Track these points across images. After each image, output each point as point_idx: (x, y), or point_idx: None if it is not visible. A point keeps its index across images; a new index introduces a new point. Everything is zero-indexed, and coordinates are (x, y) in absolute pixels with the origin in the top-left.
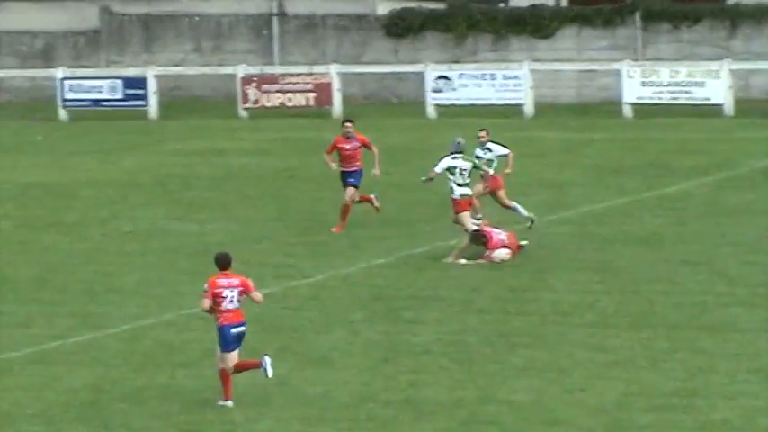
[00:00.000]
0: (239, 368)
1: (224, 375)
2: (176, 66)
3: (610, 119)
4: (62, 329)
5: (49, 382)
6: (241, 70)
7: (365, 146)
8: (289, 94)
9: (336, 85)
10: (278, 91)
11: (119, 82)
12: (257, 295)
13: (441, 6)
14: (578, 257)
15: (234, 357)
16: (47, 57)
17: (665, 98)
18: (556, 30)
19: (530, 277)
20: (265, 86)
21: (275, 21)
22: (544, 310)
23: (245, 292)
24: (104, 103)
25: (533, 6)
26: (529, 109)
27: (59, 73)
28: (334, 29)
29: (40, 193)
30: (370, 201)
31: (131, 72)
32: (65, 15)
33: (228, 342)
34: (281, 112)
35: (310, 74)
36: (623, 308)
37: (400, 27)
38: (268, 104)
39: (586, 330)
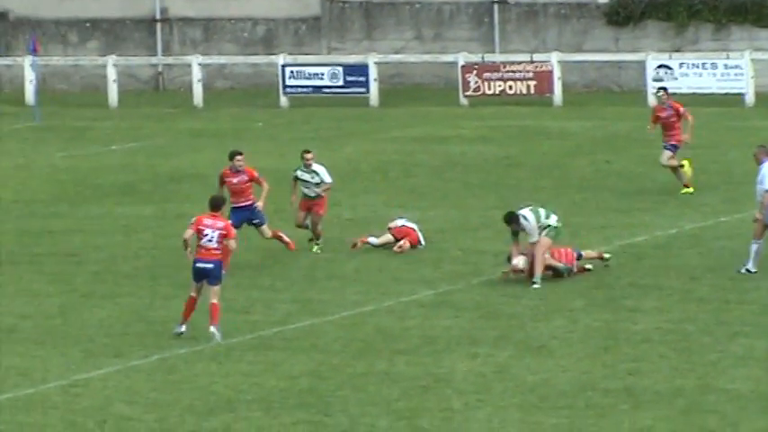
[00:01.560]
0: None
1: (189, 302)
2: (397, 53)
3: None
4: (282, 316)
5: (269, 369)
6: (462, 58)
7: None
8: (509, 82)
9: (557, 73)
10: (499, 79)
11: (339, 69)
12: (232, 243)
13: None
14: None
15: (200, 290)
16: (268, 44)
17: None
18: None
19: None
20: (486, 74)
21: (496, 9)
22: (765, 300)
23: (225, 236)
24: (325, 90)
25: None
26: (750, 98)
27: (281, 60)
28: (555, 17)
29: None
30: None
31: (352, 59)
32: (286, 2)
33: (193, 275)
34: (502, 99)
35: (531, 62)
36: None
37: (621, 15)
38: (489, 92)
39: None
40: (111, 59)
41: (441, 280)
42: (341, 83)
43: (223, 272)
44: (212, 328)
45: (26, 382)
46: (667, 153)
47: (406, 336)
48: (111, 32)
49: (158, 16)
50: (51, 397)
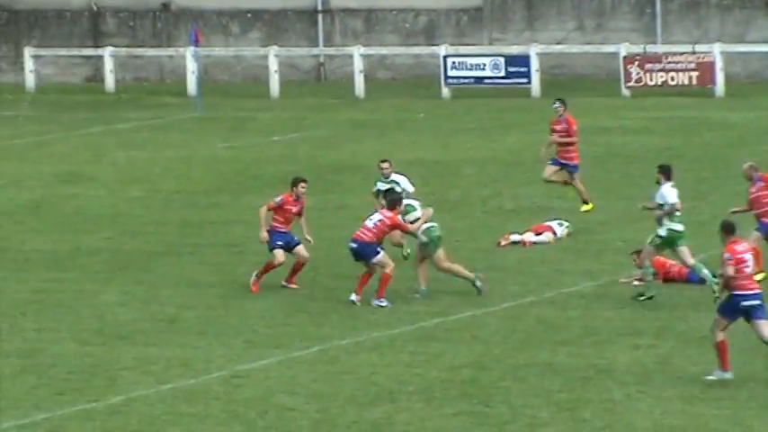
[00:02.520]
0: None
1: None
2: (558, 44)
3: None
4: (443, 307)
5: (431, 359)
6: (624, 49)
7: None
8: (671, 73)
9: (719, 64)
10: (661, 70)
11: (501, 60)
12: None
13: None
14: None
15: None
16: (429, 34)
17: None
18: None
19: None
20: (648, 65)
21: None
22: None
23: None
24: (487, 81)
25: None
26: None
27: (442, 50)
28: (717, 7)
29: (423, 171)
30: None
31: (514, 50)
32: None
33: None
34: (664, 90)
35: (693, 53)
36: None
37: None
38: (650, 83)
39: None
40: (272, 50)
41: (603, 271)
42: (502, 74)
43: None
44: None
45: (188, 372)
46: (552, 167)
47: (568, 327)
48: (272, 23)
49: (320, 7)
50: (213, 387)
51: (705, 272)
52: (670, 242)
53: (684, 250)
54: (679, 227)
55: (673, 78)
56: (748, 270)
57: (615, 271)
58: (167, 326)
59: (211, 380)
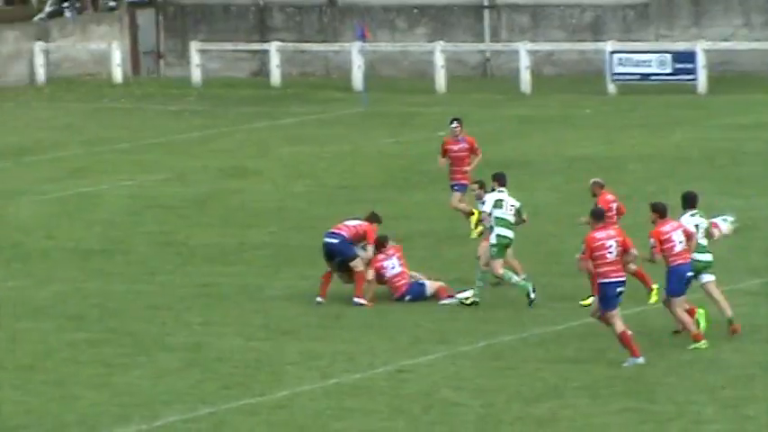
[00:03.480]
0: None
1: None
2: (725, 40)
3: None
4: None
5: (596, 355)
6: None
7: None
8: None
9: None
10: None
11: (668, 56)
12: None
13: None
14: None
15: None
16: (595, 30)
17: None
18: None
19: None
20: None
21: None
22: None
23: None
24: (653, 78)
25: None
26: None
27: (609, 46)
28: None
29: (588, 167)
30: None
31: (680, 46)
32: None
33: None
34: None
35: None
36: None
37: None
38: None
39: None
40: (438, 45)
41: None
42: (669, 70)
43: None
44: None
45: (353, 367)
46: (457, 195)
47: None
48: (438, 18)
49: (486, 2)
50: (378, 382)
51: None
52: None
53: None
54: None
55: None
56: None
57: None
58: (333, 321)
59: (376, 375)
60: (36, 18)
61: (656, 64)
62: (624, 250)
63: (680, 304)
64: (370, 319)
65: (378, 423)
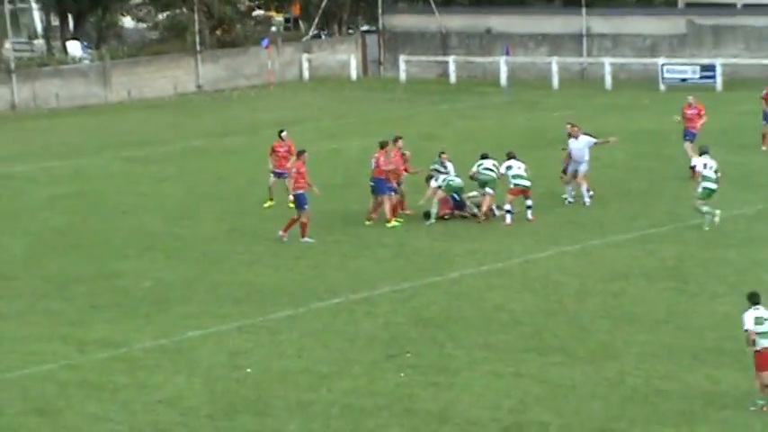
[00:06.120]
0: None
1: None
2: (734, 57)
3: None
4: None
5: (651, 254)
6: None
7: None
8: None
9: None
10: None
11: (697, 67)
12: None
13: None
14: None
15: None
16: (653, 50)
17: None
18: None
19: None
20: None
21: None
22: None
23: None
24: (688, 80)
25: None
26: None
27: (660, 60)
28: None
29: (645, 137)
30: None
31: (706, 61)
32: None
33: None
34: None
35: None
36: None
37: None
38: None
39: None
40: (554, 59)
41: None
42: (698, 76)
43: None
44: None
45: (498, 258)
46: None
47: None
48: (554, 42)
49: (584, 32)
50: (513, 268)
51: None
52: None
53: None
54: None
55: None
56: None
57: None
58: (484, 229)
59: (512, 264)
60: (303, 39)
61: (690, 72)
62: None
63: None
64: (513, 227)
65: (512, 295)
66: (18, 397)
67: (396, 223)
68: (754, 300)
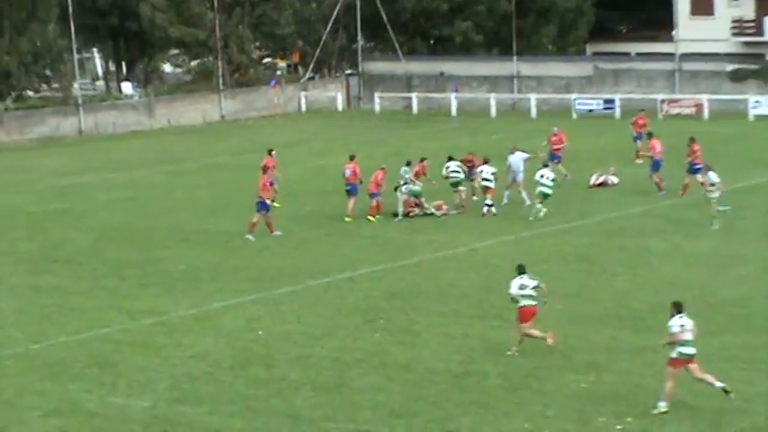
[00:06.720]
0: None
1: None
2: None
3: None
4: None
5: (564, 241)
6: None
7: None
8: None
9: None
10: None
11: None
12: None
13: None
14: None
15: None
16: (568, 88)
17: None
18: None
19: None
20: None
21: None
22: None
23: None
24: (595, 111)
25: None
26: None
27: (573, 96)
28: None
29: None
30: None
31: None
32: None
33: None
34: None
35: None
36: None
37: None
38: None
39: None
40: (492, 95)
41: None
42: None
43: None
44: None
45: (450, 246)
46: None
47: None
48: (494, 82)
49: (515, 74)
50: (460, 254)
51: None
52: None
53: None
54: None
55: None
56: None
57: None
58: (440, 225)
59: (460, 251)
60: (302, 80)
61: (595, 104)
62: None
63: None
64: (461, 220)
65: (461, 274)
66: (84, 353)
67: (373, 219)
68: (520, 270)
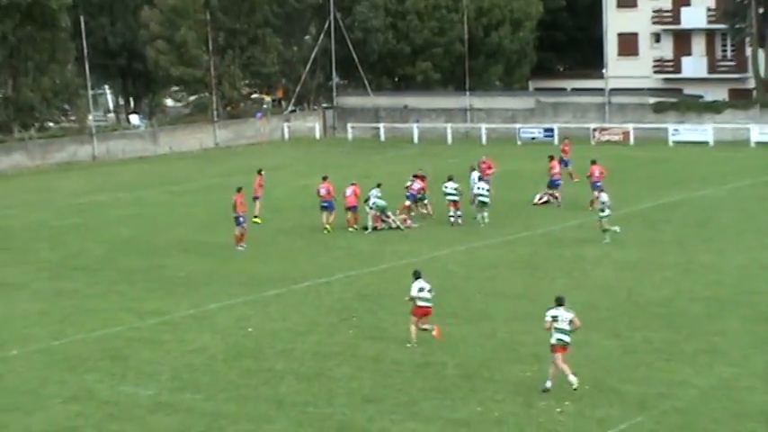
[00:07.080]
0: None
1: None
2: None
3: None
4: None
5: (512, 248)
6: None
7: None
8: None
9: None
10: None
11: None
12: None
13: None
14: None
15: None
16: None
17: None
18: None
19: None
20: None
21: None
22: None
23: None
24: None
25: None
26: None
27: (518, 125)
28: None
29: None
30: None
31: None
32: None
33: None
34: None
35: None
36: None
37: None
38: None
39: None
40: (449, 125)
41: None
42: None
43: None
44: None
45: (414, 255)
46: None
47: None
48: (450, 114)
49: (468, 107)
50: (424, 261)
51: None
52: None
53: None
54: None
55: None
56: None
57: None
58: (402, 236)
59: (421, 259)
60: (285, 112)
61: (537, 132)
62: None
63: None
64: (420, 235)
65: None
66: (98, 348)
67: (352, 230)
68: (416, 275)
